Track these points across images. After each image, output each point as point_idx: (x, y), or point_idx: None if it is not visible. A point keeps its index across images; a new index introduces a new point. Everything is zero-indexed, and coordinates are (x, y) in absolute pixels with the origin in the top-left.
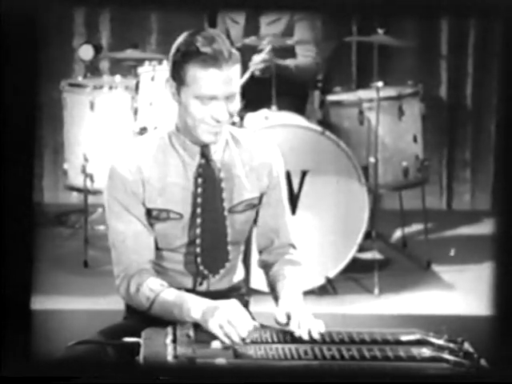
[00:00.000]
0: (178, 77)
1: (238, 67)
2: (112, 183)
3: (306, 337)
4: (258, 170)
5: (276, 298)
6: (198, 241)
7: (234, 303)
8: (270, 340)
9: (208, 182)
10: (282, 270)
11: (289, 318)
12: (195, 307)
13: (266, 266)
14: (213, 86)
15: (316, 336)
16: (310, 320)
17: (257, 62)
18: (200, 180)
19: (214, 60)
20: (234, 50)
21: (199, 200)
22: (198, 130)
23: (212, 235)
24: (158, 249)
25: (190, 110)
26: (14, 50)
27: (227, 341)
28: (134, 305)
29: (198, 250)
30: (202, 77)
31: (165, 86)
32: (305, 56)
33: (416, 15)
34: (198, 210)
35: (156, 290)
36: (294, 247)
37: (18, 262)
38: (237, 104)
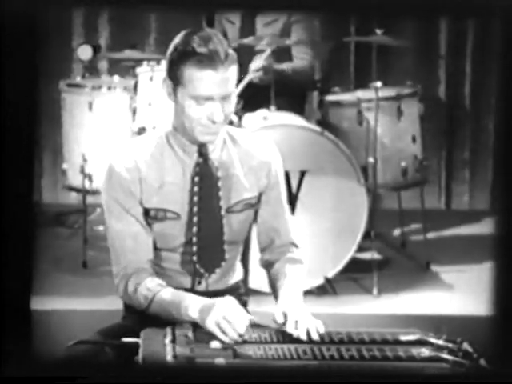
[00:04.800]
0: (174, 77)
1: (234, 68)
2: (110, 182)
3: (304, 337)
4: (256, 170)
5: (276, 297)
6: (194, 239)
7: (229, 300)
8: (269, 340)
9: (205, 180)
10: (282, 269)
11: (286, 317)
12: (193, 306)
13: (267, 265)
14: (208, 86)
15: (315, 336)
16: (308, 320)
17: (256, 68)
18: (197, 178)
19: (210, 61)
20: (230, 51)
21: (196, 198)
22: (194, 131)
23: (208, 234)
24: (156, 249)
25: (186, 110)
26: (13, 50)
27: (225, 338)
28: (132, 304)
29: (195, 248)
30: (197, 77)
31: (162, 85)
32: (301, 59)
33: (415, 15)
34: (195, 209)
35: (154, 289)
36: (295, 246)
37: (18, 262)
38: (232, 104)
